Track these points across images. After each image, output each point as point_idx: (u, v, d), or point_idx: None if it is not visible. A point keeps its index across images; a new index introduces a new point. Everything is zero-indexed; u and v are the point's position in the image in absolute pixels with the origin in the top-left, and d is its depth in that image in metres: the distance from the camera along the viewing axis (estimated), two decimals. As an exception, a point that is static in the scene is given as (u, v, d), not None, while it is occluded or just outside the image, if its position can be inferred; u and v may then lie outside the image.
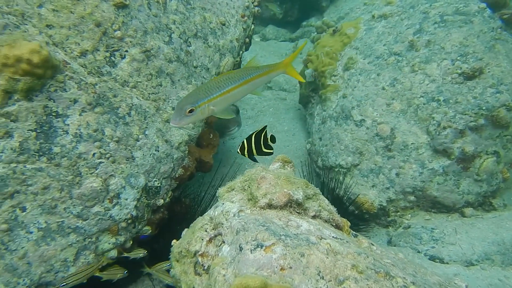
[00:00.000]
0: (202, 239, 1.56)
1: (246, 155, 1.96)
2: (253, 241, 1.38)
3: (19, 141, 2.02)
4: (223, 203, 1.64)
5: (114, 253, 2.34)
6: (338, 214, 1.67)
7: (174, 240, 1.70)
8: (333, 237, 1.46)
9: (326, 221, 1.62)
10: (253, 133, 1.95)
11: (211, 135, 3.03)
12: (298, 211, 1.59)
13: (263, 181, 1.61)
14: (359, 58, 3.99)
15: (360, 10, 4.79)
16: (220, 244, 1.50)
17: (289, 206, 1.57)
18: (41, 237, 2.09)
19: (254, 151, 1.94)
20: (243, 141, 1.95)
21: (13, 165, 2.00)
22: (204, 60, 2.98)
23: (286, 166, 1.79)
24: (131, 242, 2.46)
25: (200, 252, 1.52)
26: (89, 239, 2.24)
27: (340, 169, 3.65)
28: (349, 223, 1.67)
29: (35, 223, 2.07)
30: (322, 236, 1.43)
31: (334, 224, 1.63)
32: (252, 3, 3.53)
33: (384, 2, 4.43)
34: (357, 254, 1.36)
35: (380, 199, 3.41)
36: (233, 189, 1.71)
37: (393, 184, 3.38)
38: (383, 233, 3.44)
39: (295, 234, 1.43)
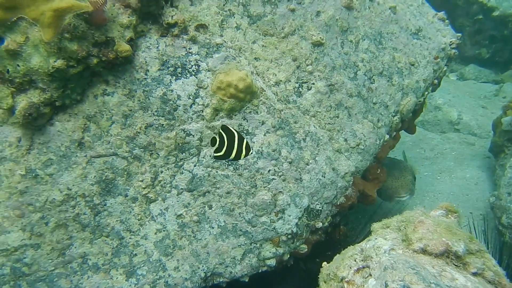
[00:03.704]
0: (350, 267, 1.64)
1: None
2: (400, 281, 1.39)
3: (216, 151, 2.49)
4: (376, 238, 1.69)
5: (273, 262, 2.60)
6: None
7: (325, 262, 1.82)
8: (492, 301, 1.34)
9: (489, 282, 1.49)
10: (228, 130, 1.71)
11: (379, 170, 3.04)
12: (456, 264, 1.51)
13: (421, 225, 1.59)
14: None
15: None
16: (367, 276, 1.55)
17: (445, 256, 1.51)
18: (219, 233, 2.50)
19: (234, 153, 1.73)
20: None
21: (209, 169, 2.48)
22: (384, 98, 3.04)
23: (449, 215, 1.71)
24: (289, 256, 2.68)
25: (346, 279, 1.61)
26: (254, 244, 2.56)
27: (530, 233, 3.13)
28: (519, 293, 1.48)
29: (216, 221, 2.50)
30: (479, 296, 1.34)
31: (499, 289, 1.48)
32: (450, 45, 3.42)
33: None
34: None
35: None
36: (388, 227, 1.73)
37: None
38: None
39: (447, 286, 1.38)
